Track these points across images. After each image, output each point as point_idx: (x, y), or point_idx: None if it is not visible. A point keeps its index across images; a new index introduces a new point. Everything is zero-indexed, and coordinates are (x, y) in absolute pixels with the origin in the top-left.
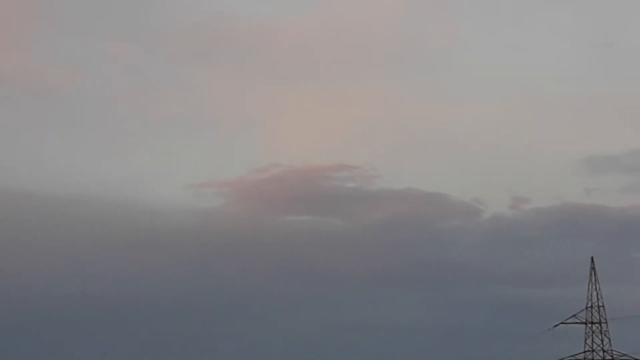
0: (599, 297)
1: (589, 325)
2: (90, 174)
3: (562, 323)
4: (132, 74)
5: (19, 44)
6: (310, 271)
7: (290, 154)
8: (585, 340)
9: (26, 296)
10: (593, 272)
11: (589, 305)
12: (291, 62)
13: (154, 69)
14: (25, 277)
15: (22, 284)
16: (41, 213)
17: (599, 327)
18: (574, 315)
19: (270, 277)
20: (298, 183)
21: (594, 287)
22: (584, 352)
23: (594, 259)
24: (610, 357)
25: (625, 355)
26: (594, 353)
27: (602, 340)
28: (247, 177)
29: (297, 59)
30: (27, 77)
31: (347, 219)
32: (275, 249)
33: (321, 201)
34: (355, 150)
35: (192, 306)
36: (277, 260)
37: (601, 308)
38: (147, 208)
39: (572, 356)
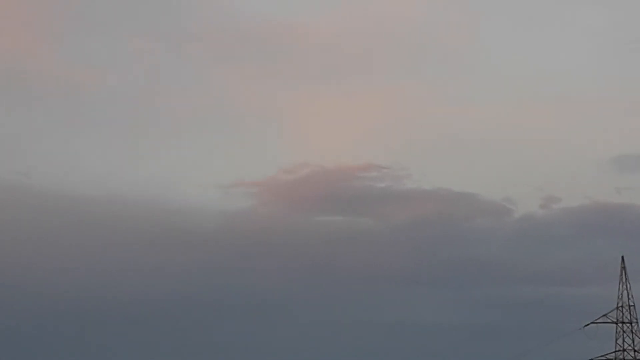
0: (630, 296)
1: (620, 324)
2: (118, 174)
3: (592, 322)
4: (159, 74)
5: (46, 45)
6: (340, 271)
7: (319, 154)
8: (616, 339)
9: (57, 295)
10: (624, 272)
11: (620, 304)
12: (320, 62)
13: (181, 69)
14: (54, 276)
15: (52, 283)
16: (69, 214)
17: (630, 327)
18: (604, 315)
19: (300, 277)
20: (327, 183)
21: (624, 286)
22: (615, 351)
23: (625, 258)
24: None
25: None
26: (625, 353)
27: (632, 340)
28: (276, 177)
29: (326, 59)
30: (54, 78)
31: (376, 218)
32: (305, 249)
33: (351, 201)
34: (385, 150)
35: (222, 307)
36: (307, 260)
37: (632, 307)
38: (175, 208)
39: (602, 356)
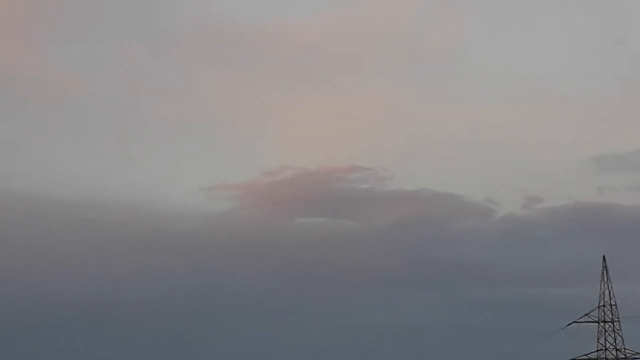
0: (612, 295)
1: (602, 324)
2: (102, 178)
3: (574, 322)
4: (142, 78)
5: (29, 49)
6: (323, 273)
7: (302, 157)
8: (598, 339)
9: (40, 299)
10: (605, 271)
11: (602, 303)
12: (302, 65)
13: (164, 73)
14: (38, 280)
15: (36, 287)
16: (53, 217)
17: (612, 326)
18: (586, 314)
19: (283, 279)
20: (310, 185)
21: (606, 285)
22: (597, 350)
23: (606, 258)
24: (623, 356)
25: (638, 353)
26: (607, 352)
27: (614, 339)
28: (259, 179)
29: (308, 62)
30: (38, 82)
31: (359, 220)
32: (288, 251)
33: (334, 203)
34: (367, 152)
35: (204, 309)
36: (290, 262)
37: (613, 307)
38: (159, 211)
39: (585, 355)
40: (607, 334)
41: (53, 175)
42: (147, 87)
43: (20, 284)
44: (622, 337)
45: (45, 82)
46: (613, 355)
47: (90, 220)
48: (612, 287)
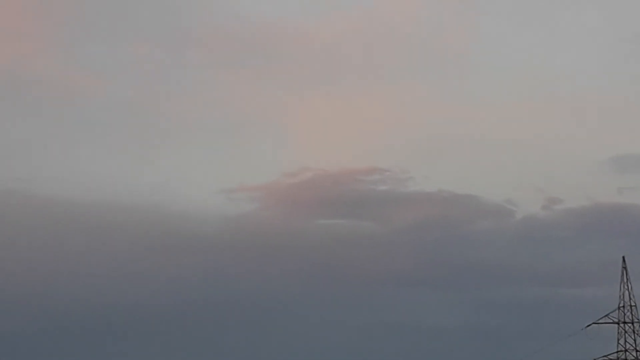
0: (631, 296)
1: (622, 325)
2: (121, 180)
3: (594, 323)
4: (160, 79)
5: (47, 51)
6: (343, 274)
7: (321, 158)
8: (618, 340)
9: (61, 300)
10: (625, 272)
11: (621, 304)
12: (320, 66)
13: (183, 74)
14: (56, 282)
15: (54, 289)
16: (71, 220)
17: (632, 327)
18: (606, 315)
19: (303, 280)
20: (329, 187)
21: (625, 286)
22: (617, 352)
23: (626, 259)
24: None
25: None
26: (627, 353)
27: (634, 340)
28: (278, 181)
29: (327, 62)
30: (55, 83)
31: (379, 221)
32: (308, 252)
33: (353, 204)
34: (387, 153)
35: (226, 310)
36: (309, 264)
37: (633, 307)
38: (178, 213)
39: (605, 356)
40: (627, 335)
41: (71, 177)
42: (165, 88)
43: (41, 284)
44: None
45: (63, 84)
46: (633, 356)
47: (109, 222)
48: (631, 288)
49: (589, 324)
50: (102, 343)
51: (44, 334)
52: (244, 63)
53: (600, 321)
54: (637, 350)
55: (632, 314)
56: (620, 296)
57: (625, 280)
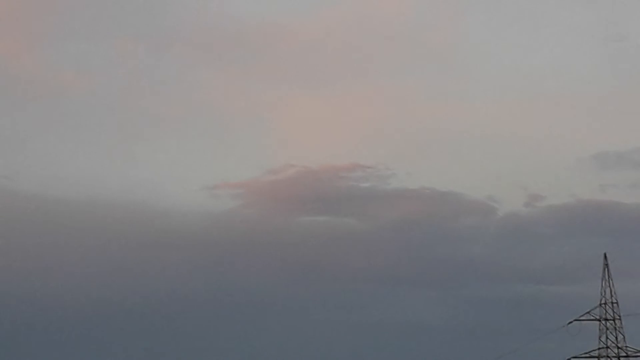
0: (613, 293)
1: (603, 322)
2: (103, 177)
3: (576, 320)
4: (142, 76)
5: (30, 47)
6: (325, 271)
7: (303, 155)
8: (600, 337)
9: (42, 298)
10: (606, 269)
11: (603, 301)
12: (303, 63)
13: (165, 71)
14: (41, 279)
15: (39, 286)
16: (54, 217)
17: (613, 324)
18: (587, 312)
19: (285, 278)
20: (312, 184)
21: (607, 283)
22: (598, 349)
23: (607, 255)
24: (625, 354)
25: (639, 351)
26: (609, 350)
27: (616, 337)
28: (261, 178)
29: (309, 59)
30: (39, 81)
31: (361, 218)
32: (290, 249)
33: (335, 201)
34: (369, 150)
35: (207, 307)
36: (291, 261)
37: (615, 304)
38: (160, 210)
39: (586, 353)
40: (608, 332)
41: (54, 174)
42: (148, 85)
43: (23, 283)
44: (623, 335)
45: (46, 80)
46: (614, 353)
47: (91, 219)
48: (613, 284)
49: (570, 321)
50: (86, 340)
51: (27, 330)
52: (228, 60)
53: (581, 318)
54: (618, 347)
55: (613, 311)
56: (601, 293)
57: (606, 277)
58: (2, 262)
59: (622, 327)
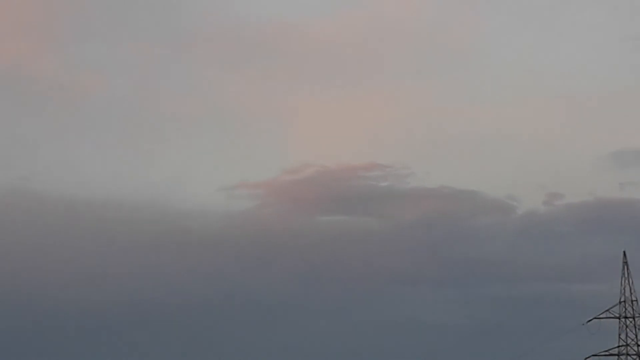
0: (632, 291)
1: (623, 319)
2: (121, 178)
3: (595, 318)
4: (160, 77)
5: (47, 50)
6: (344, 270)
7: (322, 155)
8: (619, 334)
9: (59, 297)
10: (626, 267)
11: (622, 299)
12: (321, 64)
13: (184, 73)
14: (56, 280)
15: (54, 287)
16: (71, 218)
17: (633, 322)
18: (607, 310)
19: (303, 277)
20: (330, 183)
21: (626, 281)
22: (618, 346)
23: (627, 253)
24: None
25: None
26: (628, 347)
27: (636, 335)
28: (279, 178)
29: (328, 59)
30: (55, 83)
31: (380, 218)
32: (308, 249)
33: (354, 201)
34: (387, 150)
35: (226, 307)
36: (310, 260)
37: (634, 302)
38: (179, 211)
39: (606, 351)
40: (628, 329)
41: (71, 175)
42: (166, 86)
43: (39, 282)
44: None
45: (63, 82)
46: (634, 350)
47: (110, 220)
48: (632, 282)
49: (590, 319)
50: (104, 340)
51: (43, 329)
52: (245, 61)
53: (601, 316)
54: (638, 345)
55: (632, 309)
56: (621, 291)
57: (626, 275)
58: (20, 261)
59: None
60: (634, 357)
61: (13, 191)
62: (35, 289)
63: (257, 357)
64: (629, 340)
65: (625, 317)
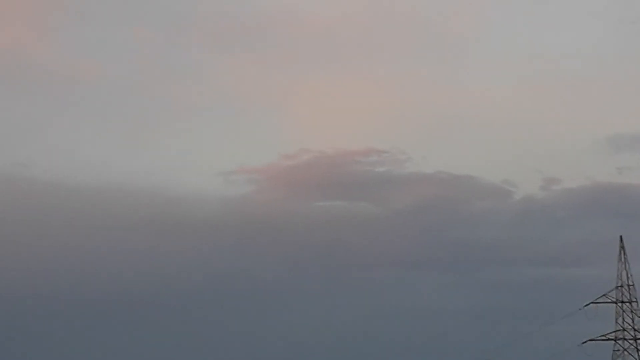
0: (629, 275)
1: (620, 304)
2: (119, 163)
3: (592, 302)
4: (158, 62)
5: (44, 36)
6: (342, 256)
7: (319, 140)
8: (616, 319)
9: (57, 284)
10: (622, 251)
11: (619, 284)
12: (318, 49)
13: (180, 57)
14: (54, 266)
15: (52, 273)
16: (69, 204)
17: (630, 306)
18: (604, 295)
19: (301, 262)
20: (328, 168)
21: (623, 266)
22: (615, 331)
23: (623, 238)
24: None
25: None
26: (625, 332)
27: (632, 319)
28: (277, 163)
29: (324, 45)
30: (53, 69)
31: (377, 203)
32: (306, 234)
33: (351, 186)
34: (385, 135)
35: (223, 292)
36: (308, 245)
37: (631, 287)
38: (177, 196)
39: (602, 336)
40: (625, 314)
41: (69, 161)
42: (163, 71)
43: (37, 269)
44: None
45: (62, 68)
46: (631, 335)
47: (107, 205)
48: (629, 267)
49: (587, 303)
50: (103, 326)
51: (43, 317)
52: (242, 46)
53: (598, 301)
54: (635, 330)
55: (629, 293)
56: (618, 276)
57: (623, 259)
58: (19, 248)
59: (638, 310)
60: (631, 341)
61: (10, 177)
62: (34, 275)
63: (255, 342)
64: (626, 325)
65: (622, 302)
